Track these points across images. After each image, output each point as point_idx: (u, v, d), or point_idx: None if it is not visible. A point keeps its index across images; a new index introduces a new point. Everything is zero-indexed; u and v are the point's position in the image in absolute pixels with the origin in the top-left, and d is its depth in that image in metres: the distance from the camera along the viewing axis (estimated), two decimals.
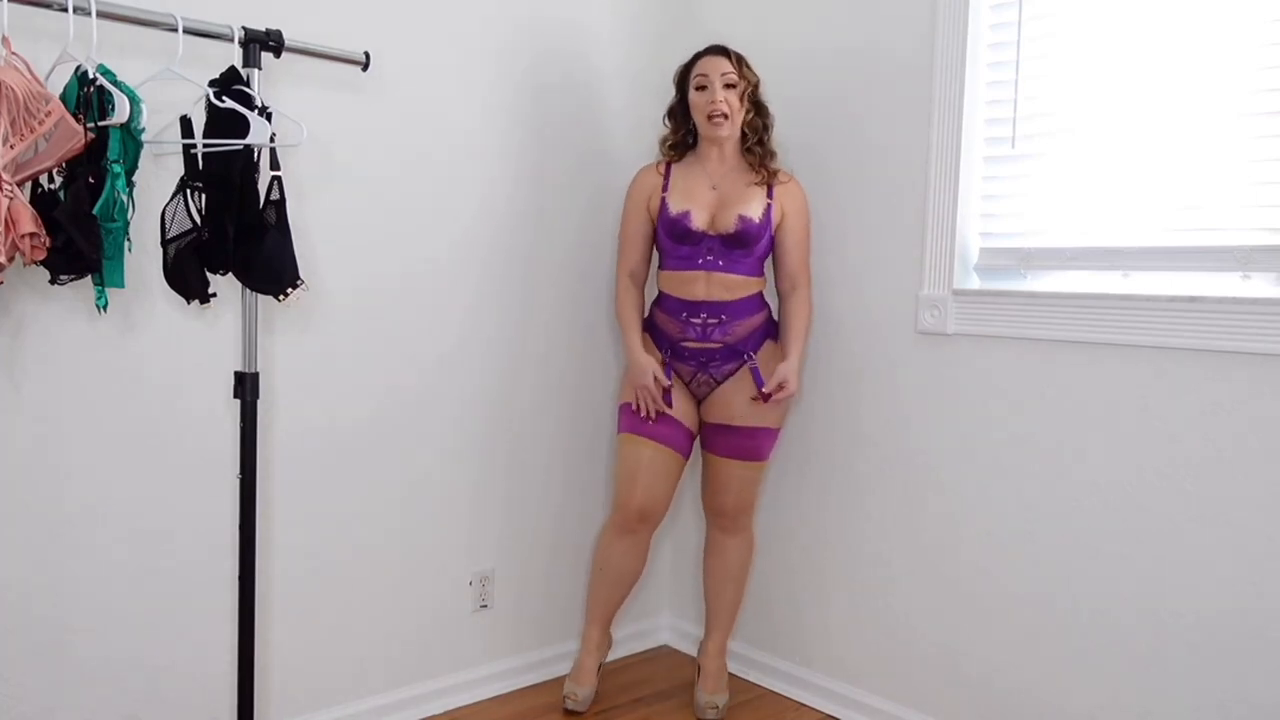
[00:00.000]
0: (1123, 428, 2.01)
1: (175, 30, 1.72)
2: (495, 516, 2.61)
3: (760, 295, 2.43)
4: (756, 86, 2.37)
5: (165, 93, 1.77)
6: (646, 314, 2.50)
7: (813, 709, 2.58)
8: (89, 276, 1.65)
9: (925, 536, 2.36)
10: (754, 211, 2.35)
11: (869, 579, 2.48)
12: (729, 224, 2.34)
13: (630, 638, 2.91)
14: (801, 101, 2.57)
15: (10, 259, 1.52)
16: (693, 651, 2.79)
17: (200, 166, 1.77)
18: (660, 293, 2.46)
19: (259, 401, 1.90)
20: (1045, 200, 2.17)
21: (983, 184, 2.28)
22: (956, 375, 2.28)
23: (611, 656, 2.84)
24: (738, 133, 2.37)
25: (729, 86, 2.31)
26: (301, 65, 2.05)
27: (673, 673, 2.79)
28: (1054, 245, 2.16)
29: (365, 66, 2.02)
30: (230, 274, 1.81)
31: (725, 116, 2.31)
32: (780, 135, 2.47)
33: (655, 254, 2.51)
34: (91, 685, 1.99)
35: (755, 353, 2.40)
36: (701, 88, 2.32)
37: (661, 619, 3.02)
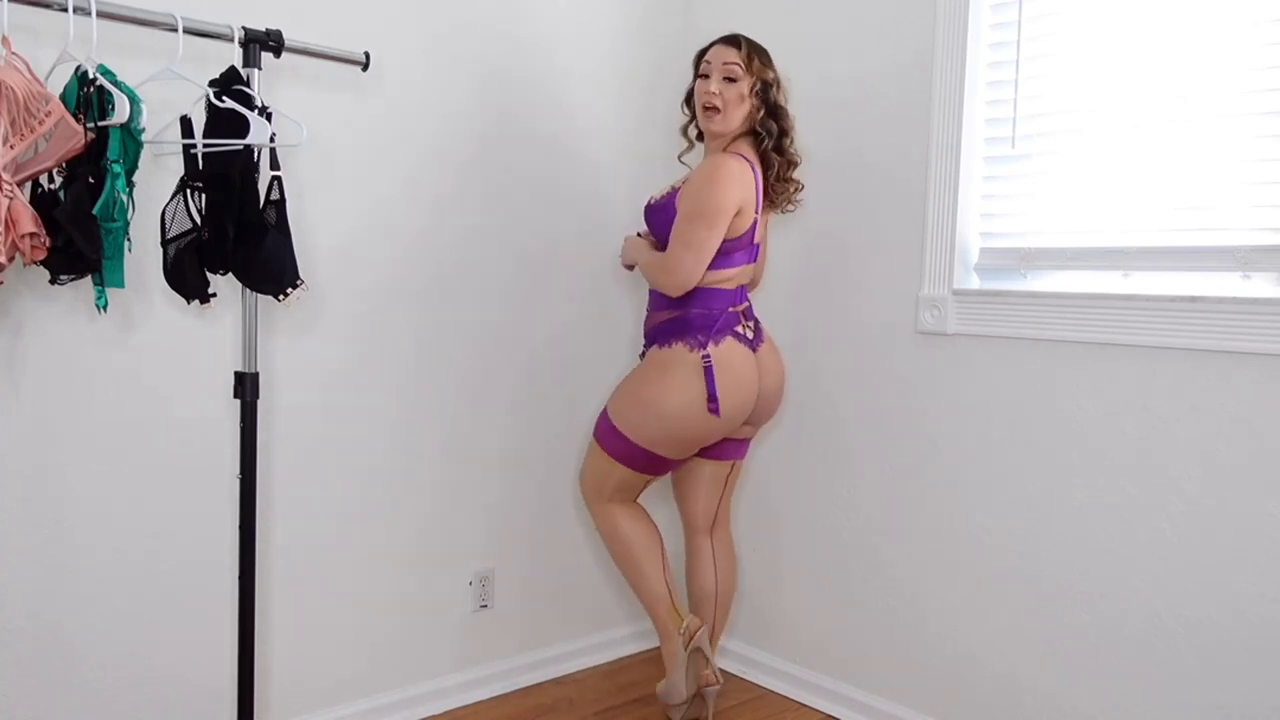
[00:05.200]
0: (1123, 428, 2.01)
1: (175, 30, 1.71)
2: (496, 516, 2.61)
3: None
4: (770, 85, 2.17)
5: (165, 93, 1.77)
6: None
7: (813, 709, 2.58)
8: (89, 276, 1.65)
9: (924, 537, 2.36)
10: (659, 193, 2.28)
11: (869, 579, 2.48)
12: None
13: (630, 638, 2.91)
14: (801, 102, 2.56)
15: (10, 259, 1.52)
16: None
17: (200, 166, 1.77)
18: None
19: (259, 401, 1.90)
20: (1045, 200, 2.17)
21: (983, 184, 2.28)
22: (956, 375, 2.28)
23: (612, 656, 2.84)
24: (732, 129, 2.18)
25: (729, 80, 2.13)
26: (301, 65, 2.05)
27: None
28: (1054, 245, 2.16)
29: (365, 66, 2.02)
30: (230, 274, 1.81)
31: (717, 110, 2.15)
32: None
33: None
34: (90, 686, 1.99)
35: (655, 347, 2.23)
36: (704, 75, 2.17)
37: None
